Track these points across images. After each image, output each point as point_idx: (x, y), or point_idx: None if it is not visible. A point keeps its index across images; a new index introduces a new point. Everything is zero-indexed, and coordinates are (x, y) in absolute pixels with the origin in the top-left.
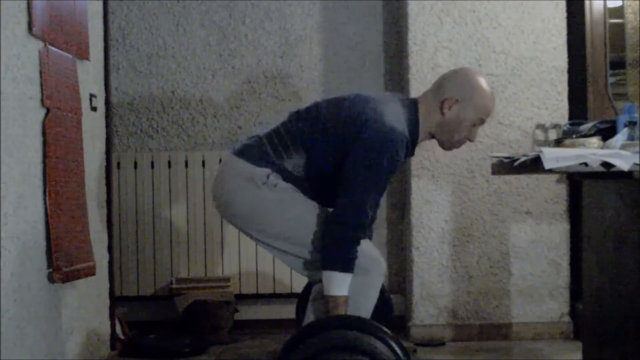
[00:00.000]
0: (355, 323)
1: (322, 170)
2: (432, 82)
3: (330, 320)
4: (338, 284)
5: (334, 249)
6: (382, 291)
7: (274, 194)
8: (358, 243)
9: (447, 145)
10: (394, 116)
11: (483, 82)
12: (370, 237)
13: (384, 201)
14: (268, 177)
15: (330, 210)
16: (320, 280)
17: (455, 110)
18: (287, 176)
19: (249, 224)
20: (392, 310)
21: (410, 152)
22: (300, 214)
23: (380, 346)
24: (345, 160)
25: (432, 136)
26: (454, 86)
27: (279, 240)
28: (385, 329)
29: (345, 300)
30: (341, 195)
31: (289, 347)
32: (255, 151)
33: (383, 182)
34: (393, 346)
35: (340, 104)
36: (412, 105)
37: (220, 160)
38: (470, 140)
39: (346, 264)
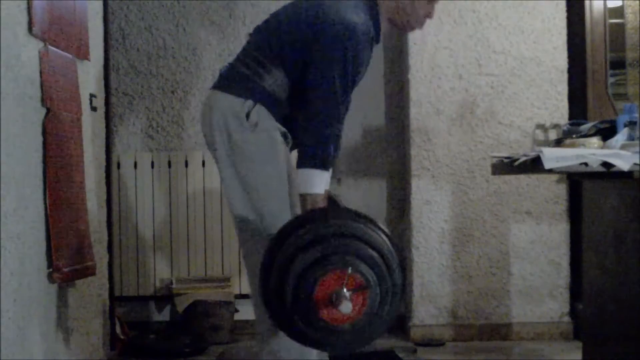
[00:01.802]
0: (350, 214)
1: (301, 81)
2: (432, 82)
3: (324, 211)
4: (317, 181)
5: (312, 147)
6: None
7: (254, 137)
8: (335, 139)
9: (407, 27)
10: (353, 8)
11: None
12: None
13: (384, 201)
14: (250, 110)
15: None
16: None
17: None
18: (269, 105)
19: (230, 166)
20: None
21: (375, 40)
22: (272, 177)
23: (374, 235)
24: (311, 60)
25: (393, 23)
26: None
27: (242, 190)
28: (377, 221)
29: (323, 198)
30: (312, 93)
31: (286, 233)
32: (233, 79)
33: (351, 77)
34: (383, 237)
35: (297, 6)
36: None
37: None
38: (429, 17)
39: (325, 161)
